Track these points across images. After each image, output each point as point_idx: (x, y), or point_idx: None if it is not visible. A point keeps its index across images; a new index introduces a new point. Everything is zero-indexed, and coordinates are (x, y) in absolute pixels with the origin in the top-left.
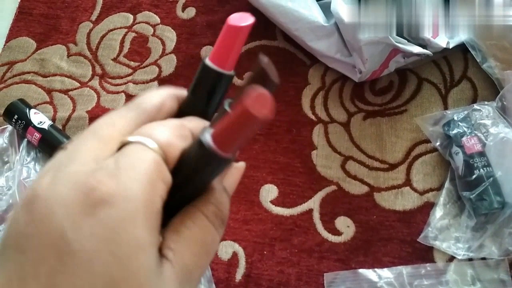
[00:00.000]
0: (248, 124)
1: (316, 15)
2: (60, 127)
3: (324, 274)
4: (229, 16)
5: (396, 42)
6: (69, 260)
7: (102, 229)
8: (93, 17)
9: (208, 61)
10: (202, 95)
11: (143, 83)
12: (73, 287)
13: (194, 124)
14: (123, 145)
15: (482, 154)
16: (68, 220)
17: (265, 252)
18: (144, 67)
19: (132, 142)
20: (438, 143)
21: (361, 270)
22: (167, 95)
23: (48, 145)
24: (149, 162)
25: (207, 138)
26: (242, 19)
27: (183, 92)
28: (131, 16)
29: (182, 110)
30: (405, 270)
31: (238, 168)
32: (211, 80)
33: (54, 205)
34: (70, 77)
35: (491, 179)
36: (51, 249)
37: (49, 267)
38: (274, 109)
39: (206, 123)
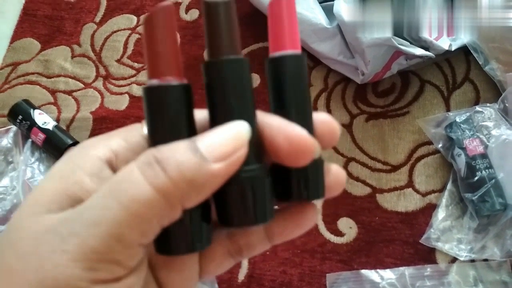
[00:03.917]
0: (147, 30)
1: (319, 17)
2: (64, 128)
3: (327, 274)
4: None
5: (398, 44)
6: None
7: None
8: (97, 19)
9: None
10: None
11: None
12: None
13: None
14: None
15: (484, 156)
16: None
17: (267, 253)
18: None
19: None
20: (440, 145)
21: (363, 271)
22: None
23: (52, 145)
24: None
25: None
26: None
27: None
28: (135, 18)
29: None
30: (407, 271)
31: (227, 131)
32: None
33: None
34: (74, 78)
35: (493, 181)
36: None
37: None
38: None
39: None
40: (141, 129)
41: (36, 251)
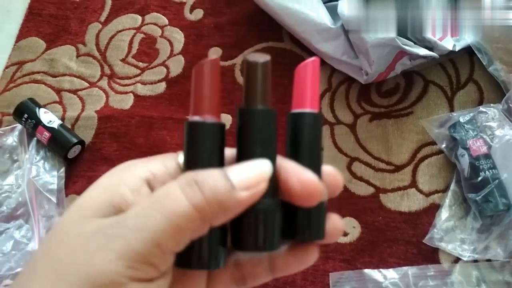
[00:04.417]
0: (196, 76)
1: (323, 17)
2: (69, 127)
3: (330, 274)
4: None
5: (403, 44)
6: None
7: None
8: (102, 18)
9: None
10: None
11: (151, 83)
12: None
13: None
14: None
15: (487, 156)
16: None
17: None
18: (152, 67)
19: None
20: (444, 145)
21: (366, 270)
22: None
23: (58, 144)
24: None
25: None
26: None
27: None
28: (140, 18)
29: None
30: (410, 270)
31: (253, 166)
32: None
33: None
34: (79, 77)
35: (497, 181)
36: None
37: None
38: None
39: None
40: (177, 158)
41: (85, 247)
